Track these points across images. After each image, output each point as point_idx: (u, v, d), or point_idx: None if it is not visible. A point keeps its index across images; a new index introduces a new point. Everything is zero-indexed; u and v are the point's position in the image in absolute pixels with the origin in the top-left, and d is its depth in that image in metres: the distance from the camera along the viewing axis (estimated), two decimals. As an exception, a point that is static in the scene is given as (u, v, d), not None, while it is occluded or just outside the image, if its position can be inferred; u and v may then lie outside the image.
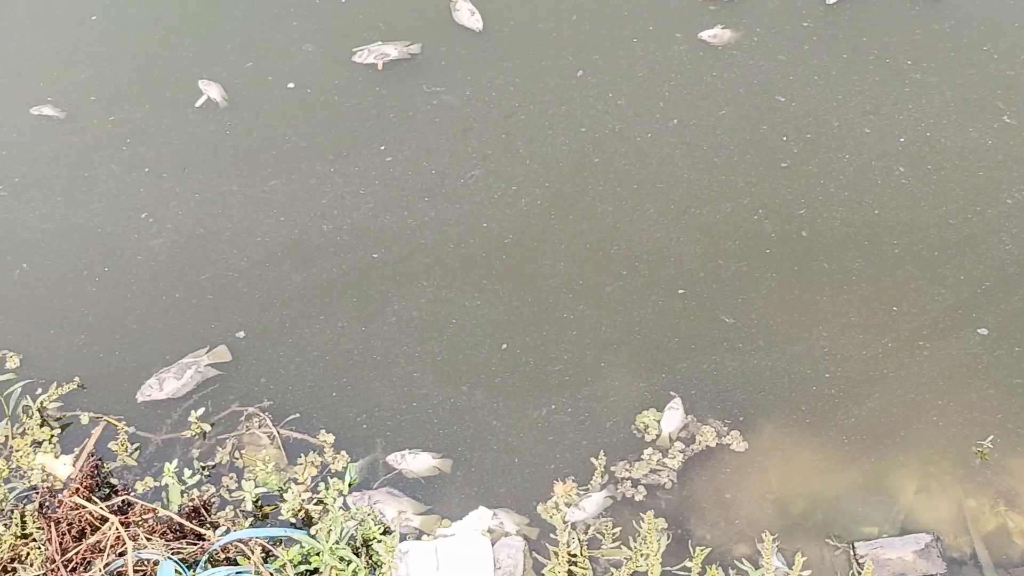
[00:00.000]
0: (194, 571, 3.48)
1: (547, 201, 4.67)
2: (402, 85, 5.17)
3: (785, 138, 4.70)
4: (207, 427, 4.15)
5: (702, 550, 3.51)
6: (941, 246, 4.29)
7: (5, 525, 3.82)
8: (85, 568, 3.53)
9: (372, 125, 5.04)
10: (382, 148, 4.95)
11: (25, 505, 3.85)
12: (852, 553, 3.67)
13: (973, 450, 3.82)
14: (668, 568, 3.57)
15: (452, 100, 5.08)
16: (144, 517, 3.72)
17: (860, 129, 4.67)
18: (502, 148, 4.88)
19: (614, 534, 3.72)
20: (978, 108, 4.63)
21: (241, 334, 4.40)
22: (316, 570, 3.59)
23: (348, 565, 3.57)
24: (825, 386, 4.03)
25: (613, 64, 5.09)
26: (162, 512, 3.72)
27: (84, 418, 4.22)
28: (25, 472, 4.04)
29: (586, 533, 3.77)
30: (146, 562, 3.51)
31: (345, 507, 3.86)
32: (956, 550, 3.66)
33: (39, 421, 4.18)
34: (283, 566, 3.55)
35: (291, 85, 5.25)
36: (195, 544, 3.63)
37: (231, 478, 4.00)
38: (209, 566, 3.53)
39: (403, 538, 3.77)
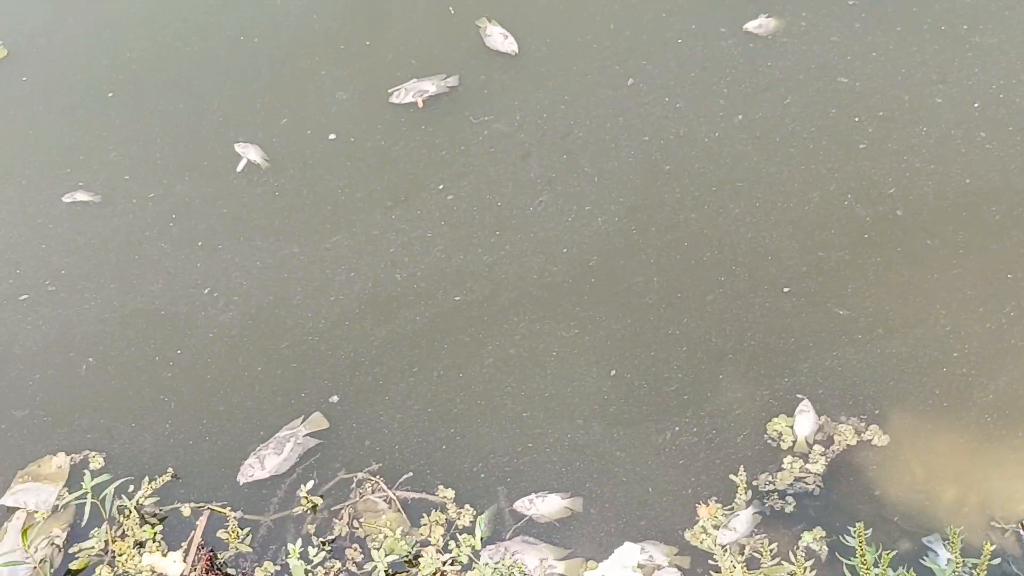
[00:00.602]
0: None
1: (624, 216, 4.51)
2: (448, 119, 5.01)
3: (857, 119, 4.57)
4: (318, 500, 3.94)
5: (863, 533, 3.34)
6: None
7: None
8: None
9: (425, 165, 4.87)
10: (440, 187, 4.78)
11: (149, 611, 3.64)
12: (1022, 533, 3.52)
13: (1121, 408, 3.68)
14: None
15: (503, 128, 4.92)
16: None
17: (932, 100, 4.55)
18: (566, 169, 4.72)
19: (771, 550, 3.55)
20: (1048, 62, 4.54)
21: (335, 398, 4.20)
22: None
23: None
24: (955, 366, 3.87)
25: (663, 68, 4.95)
26: (297, 597, 3.52)
27: (185, 510, 4.01)
28: (134, 576, 3.83)
29: (742, 554, 3.59)
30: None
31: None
32: None
33: (138, 520, 3.97)
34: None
35: (332, 136, 5.07)
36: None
37: (355, 550, 3.80)
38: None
39: (553, 587, 3.60)
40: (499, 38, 5.22)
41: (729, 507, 3.69)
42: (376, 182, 4.86)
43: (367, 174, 4.90)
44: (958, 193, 4.28)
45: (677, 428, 3.91)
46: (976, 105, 4.49)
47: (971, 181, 4.29)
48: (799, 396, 3.88)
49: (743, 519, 3.66)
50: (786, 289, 4.17)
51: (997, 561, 3.36)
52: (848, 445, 3.76)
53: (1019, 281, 4.01)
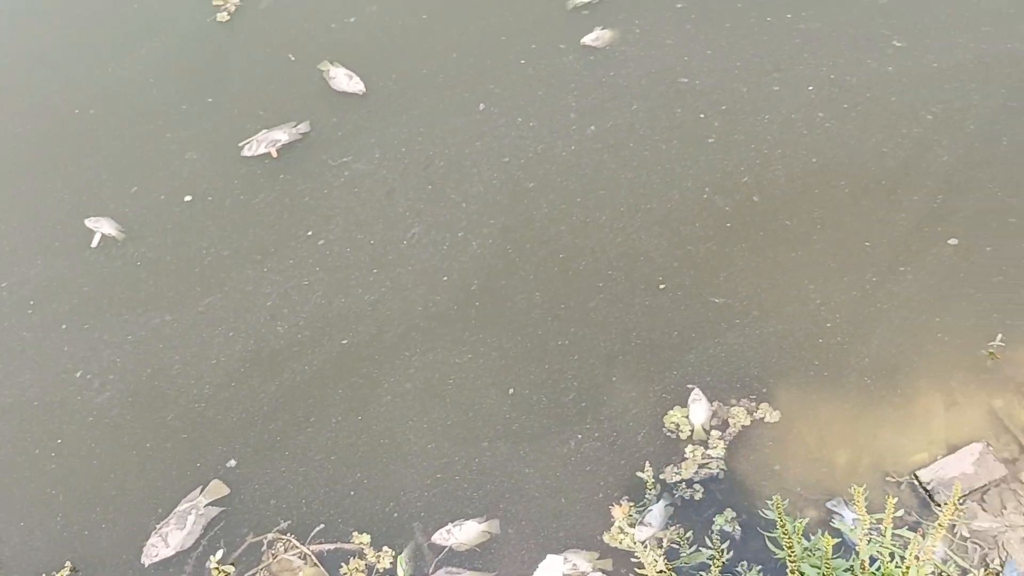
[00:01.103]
0: None
1: (498, 237, 4.56)
2: (306, 165, 4.97)
3: (703, 115, 4.76)
4: (230, 569, 3.82)
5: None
6: (885, 175, 4.41)
7: None
8: None
9: (290, 214, 4.82)
10: (310, 233, 4.73)
11: None
12: (918, 483, 3.70)
13: (983, 353, 3.92)
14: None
15: (364, 167, 4.92)
16: None
17: (769, 88, 4.78)
18: (433, 199, 4.75)
19: (688, 538, 3.64)
20: (868, 41, 4.81)
21: (232, 463, 4.09)
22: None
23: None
24: (829, 336, 4.06)
25: (511, 89, 5.04)
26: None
27: (91, 603, 3.84)
28: None
29: (661, 547, 3.66)
30: None
31: (411, 602, 3.63)
32: (1005, 450, 3.73)
33: (40, 622, 3.77)
34: None
35: (188, 198, 4.96)
36: None
37: (277, 613, 3.70)
38: None
39: (485, 612, 3.59)
40: (344, 79, 5.22)
41: (641, 504, 3.76)
42: (242, 237, 4.77)
43: (231, 231, 4.81)
44: (807, 173, 4.50)
45: (580, 436, 3.97)
46: (811, 88, 4.74)
47: (817, 160, 4.52)
48: (690, 386, 4.00)
49: (656, 513, 3.74)
50: (662, 286, 4.29)
51: (900, 513, 3.52)
52: (743, 426, 3.89)
53: (876, 248, 4.24)
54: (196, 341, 4.46)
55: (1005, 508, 3.63)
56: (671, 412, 3.96)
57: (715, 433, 3.90)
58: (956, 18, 4.76)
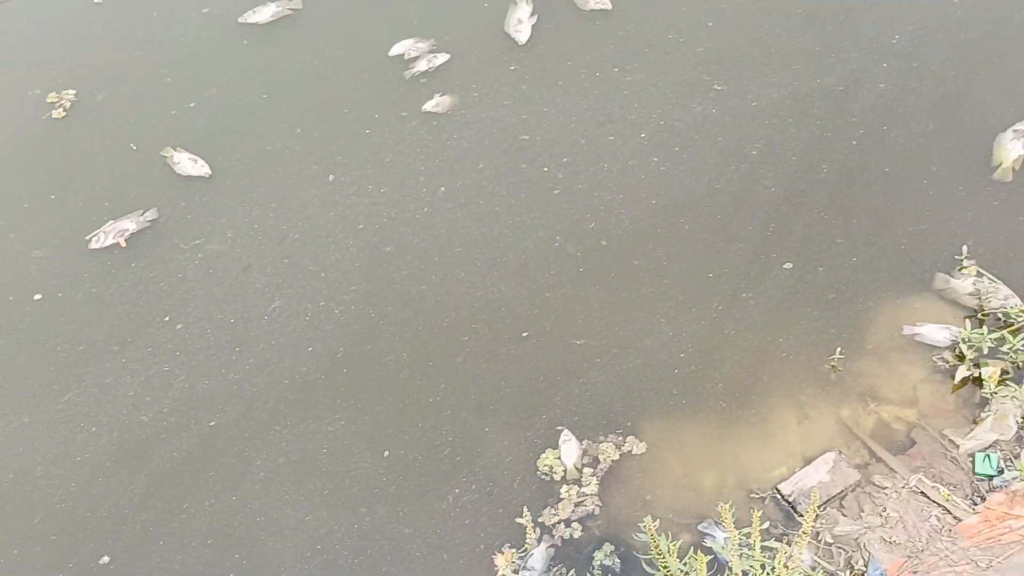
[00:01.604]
0: None
1: (360, 303, 4.61)
2: (157, 252, 4.93)
3: (546, 168, 4.95)
4: (112, 669, 3.71)
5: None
6: (720, 209, 4.68)
7: None
8: None
9: (145, 301, 4.76)
10: (167, 319, 4.69)
11: None
12: (780, 496, 3.89)
13: (826, 367, 4.17)
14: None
15: (217, 247, 4.91)
16: None
17: (605, 138, 5.02)
18: (291, 272, 4.77)
19: (572, 577, 3.73)
20: (691, 87, 5.12)
21: (105, 559, 3.98)
22: None
23: None
24: (684, 365, 4.25)
25: (359, 159, 5.14)
26: None
27: None
28: None
29: (547, 589, 3.74)
30: None
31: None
32: (856, 456, 3.97)
33: None
34: None
35: (38, 296, 4.85)
36: None
37: None
38: None
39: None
40: (188, 163, 5.22)
41: (523, 549, 3.83)
42: (96, 330, 4.68)
43: (85, 325, 4.71)
44: (649, 214, 4.73)
45: (457, 490, 4.02)
46: (643, 135, 5.00)
47: (656, 201, 4.76)
48: (559, 428, 4.11)
49: (538, 556, 3.81)
50: (525, 334, 4.42)
51: (767, 526, 3.69)
52: (612, 461, 4.02)
53: (719, 278, 4.48)
54: (58, 440, 4.34)
55: (863, 511, 3.85)
56: (544, 455, 4.07)
57: (587, 471, 4.01)
58: (768, 59, 5.12)
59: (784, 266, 4.45)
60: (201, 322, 4.66)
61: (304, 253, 4.84)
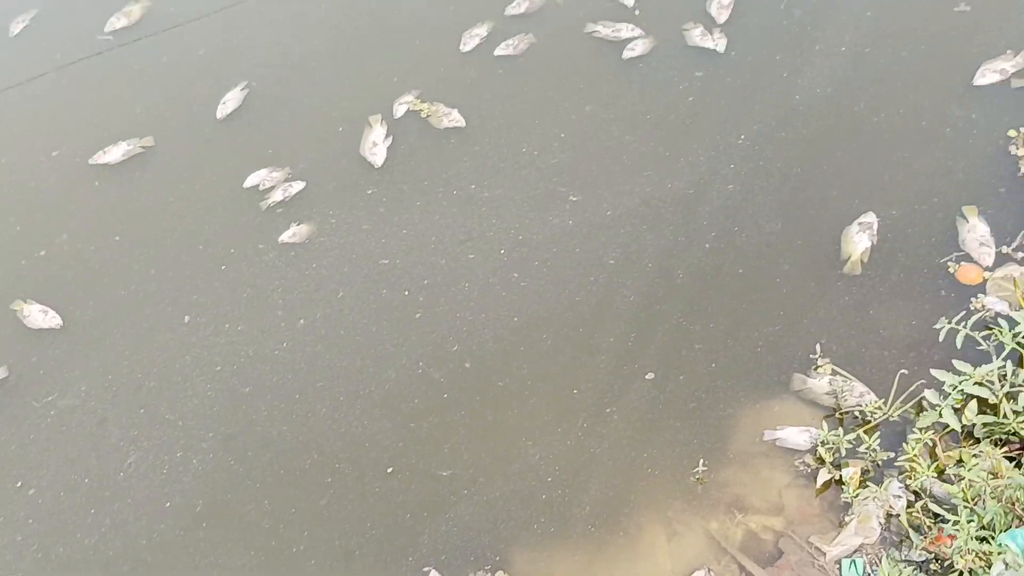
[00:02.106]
0: None
1: (219, 450, 4.46)
2: (9, 412, 4.73)
3: (407, 292, 4.90)
4: None
5: None
6: (581, 322, 4.66)
7: None
8: None
9: (-5, 465, 4.55)
10: (19, 484, 4.48)
11: None
12: (655, 619, 3.82)
13: (692, 480, 4.14)
14: None
15: (70, 402, 4.73)
16: None
17: (465, 257, 4.99)
18: (147, 423, 4.61)
19: None
20: (547, 199, 5.13)
21: None
22: None
23: None
24: (551, 490, 4.18)
25: (215, 297, 5.03)
26: None
27: None
28: None
29: None
30: None
31: None
32: (726, 571, 3.92)
33: None
34: None
35: None
36: None
37: None
38: None
39: None
40: (39, 316, 5.04)
41: None
42: (-57, 501, 4.45)
43: (-70, 496, 4.48)
44: (511, 332, 4.69)
45: (326, 645, 3.87)
46: (503, 252, 4.98)
47: (518, 318, 4.73)
48: (426, 569, 4.00)
49: None
50: (390, 469, 4.31)
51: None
52: (483, 598, 3.92)
53: (583, 393, 4.44)
54: (-102, 628, 4.08)
55: (736, 626, 3.80)
56: (413, 598, 3.94)
57: (459, 611, 3.90)
58: (621, 167, 5.16)
59: (646, 377, 4.43)
60: (55, 485, 4.46)
61: (160, 401, 4.69)
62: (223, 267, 5.14)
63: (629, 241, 4.89)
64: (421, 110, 5.57)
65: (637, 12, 5.75)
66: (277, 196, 5.35)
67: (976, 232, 4.49)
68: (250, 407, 4.62)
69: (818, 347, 4.28)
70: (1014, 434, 3.76)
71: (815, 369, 4.26)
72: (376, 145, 5.46)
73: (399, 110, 5.61)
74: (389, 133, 5.52)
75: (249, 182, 5.45)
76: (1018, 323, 3.84)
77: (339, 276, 5.03)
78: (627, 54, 5.57)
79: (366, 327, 4.82)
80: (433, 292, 4.89)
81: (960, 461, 3.81)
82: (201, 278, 5.13)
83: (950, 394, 3.79)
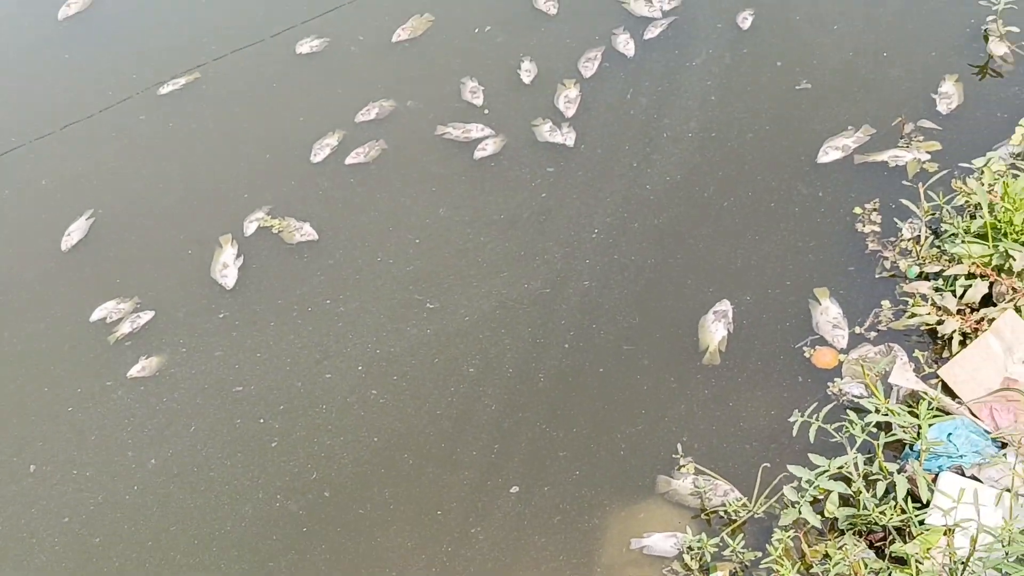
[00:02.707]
0: None
1: (64, 613, 4.20)
2: None
3: (262, 420, 4.70)
4: None
5: None
6: (443, 437, 4.51)
7: None
8: None
9: None
10: None
11: None
12: None
13: (568, 592, 4.01)
14: None
15: (-95, 571, 4.42)
16: None
17: (322, 377, 4.82)
18: (-12, 588, 4.33)
19: None
20: (404, 308, 5.00)
21: None
22: None
23: None
24: (421, 622, 4.01)
25: (62, 442, 4.77)
26: None
27: None
28: None
29: None
30: None
31: None
32: None
33: None
34: None
35: None
36: None
37: None
38: None
39: None
40: None
41: None
42: None
43: None
44: (372, 454, 4.52)
45: None
46: (360, 368, 4.83)
47: (379, 439, 4.56)
48: None
49: None
50: (245, 619, 4.10)
51: None
52: None
53: (447, 514, 4.28)
54: None
55: None
56: None
57: None
58: (477, 270, 5.07)
59: (511, 490, 4.29)
60: None
61: (5, 561, 4.40)
62: (70, 409, 4.89)
63: (488, 347, 4.79)
64: (272, 226, 5.43)
65: (487, 111, 5.72)
66: (125, 328, 5.13)
67: (828, 314, 4.49)
68: (101, 559, 4.35)
69: (679, 446, 4.20)
70: (877, 523, 3.71)
71: (679, 469, 4.18)
72: (227, 266, 5.29)
73: (250, 228, 5.46)
74: (240, 253, 5.36)
75: (96, 315, 5.22)
76: (869, 411, 3.81)
77: (191, 409, 4.82)
78: (478, 154, 5.53)
79: (221, 461, 4.61)
80: (290, 418, 4.71)
81: (827, 555, 3.74)
82: (47, 423, 4.87)
83: (808, 490, 3.73)
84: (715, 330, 4.60)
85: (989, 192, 4.36)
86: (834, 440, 3.82)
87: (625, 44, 5.82)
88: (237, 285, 5.25)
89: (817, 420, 3.80)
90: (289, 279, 5.24)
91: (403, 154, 5.66)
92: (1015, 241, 4.22)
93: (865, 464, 3.76)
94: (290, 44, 6.33)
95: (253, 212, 5.53)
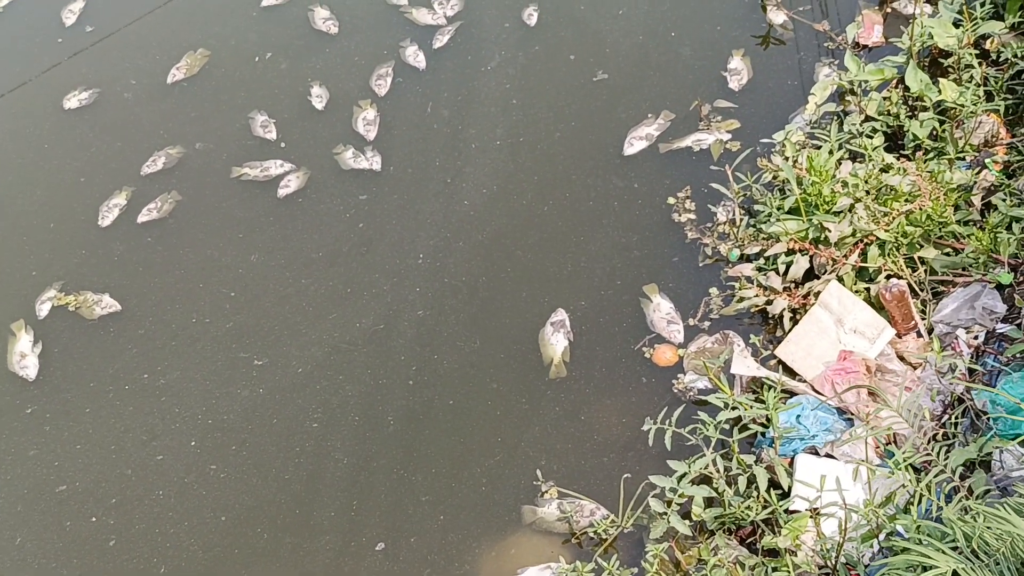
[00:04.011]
0: None
1: None
2: None
3: (94, 518, 4.33)
4: None
5: None
6: (296, 502, 4.26)
7: None
8: None
9: None
10: None
11: None
12: None
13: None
14: None
15: None
16: None
17: (153, 460, 4.47)
18: None
19: None
20: (231, 369, 4.66)
21: None
22: None
23: None
24: None
25: None
26: None
27: None
28: None
29: None
30: None
31: None
32: None
33: None
34: None
35: None
36: None
37: None
38: None
39: None
40: None
41: None
42: None
43: None
44: (222, 534, 4.23)
45: None
46: (194, 443, 4.51)
47: (227, 516, 4.27)
48: None
49: None
50: None
51: None
52: None
53: (313, 580, 4.08)
54: None
55: None
56: None
57: None
58: (303, 315, 4.82)
59: (377, 548, 4.11)
60: None
61: None
62: None
63: (328, 397, 4.57)
64: (68, 303, 4.99)
65: (283, 145, 5.43)
66: (-82, 444, 4.62)
67: (661, 311, 4.51)
68: None
69: (539, 472, 4.13)
70: (744, 519, 3.75)
71: (542, 495, 4.11)
72: (25, 356, 4.83)
73: (43, 309, 5.00)
74: (37, 339, 4.90)
75: None
76: (718, 407, 3.84)
77: (13, 519, 4.39)
78: (282, 192, 5.25)
79: (55, 572, 4.21)
80: (125, 511, 4.36)
81: (701, 560, 3.76)
82: None
83: (672, 498, 3.72)
84: (556, 342, 4.54)
85: (795, 166, 4.47)
86: (690, 442, 3.83)
87: (415, 56, 5.65)
88: (40, 374, 4.80)
89: (670, 425, 3.79)
90: (98, 358, 4.83)
91: (200, 203, 5.30)
92: (827, 212, 4.33)
93: (724, 459, 3.79)
94: (55, 99, 5.82)
95: (44, 291, 5.06)
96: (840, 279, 4.24)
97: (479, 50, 5.68)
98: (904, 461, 3.41)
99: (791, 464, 3.83)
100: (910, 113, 4.66)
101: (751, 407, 3.79)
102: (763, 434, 3.93)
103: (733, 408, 3.80)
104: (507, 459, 4.26)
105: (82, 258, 5.18)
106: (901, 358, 4.07)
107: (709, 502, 3.82)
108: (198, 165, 5.45)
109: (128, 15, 6.18)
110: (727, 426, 3.83)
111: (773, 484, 3.74)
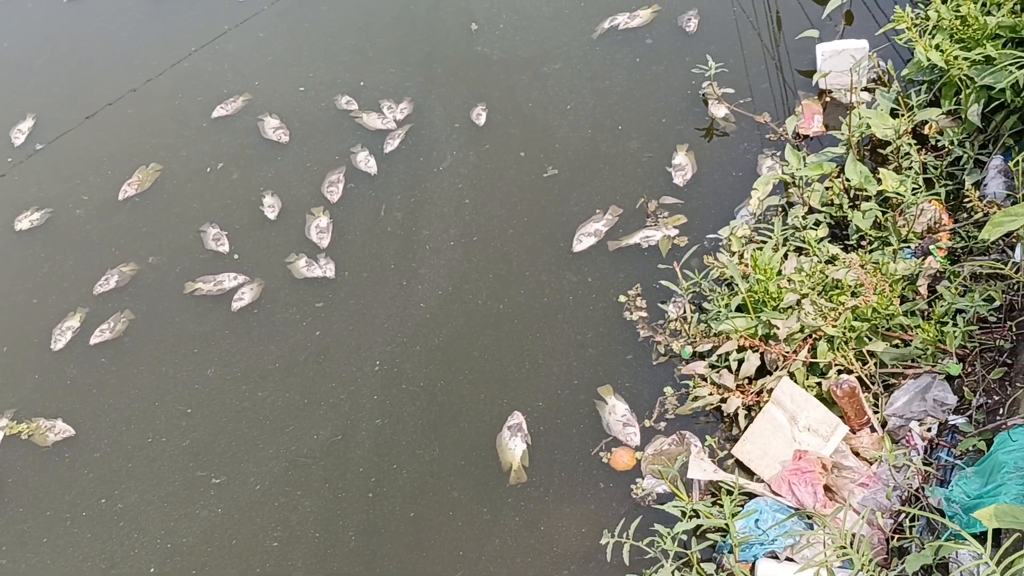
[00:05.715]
0: None
1: None
2: None
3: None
4: None
5: None
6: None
7: None
8: None
9: None
10: None
11: None
12: None
13: None
14: None
15: None
16: None
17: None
18: None
19: None
20: (189, 489, 4.62)
21: None
22: None
23: None
24: None
25: None
26: None
27: None
28: None
29: None
30: None
31: None
32: None
33: None
34: None
35: None
36: None
37: None
38: None
39: None
40: None
41: None
42: None
43: None
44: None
45: None
46: (153, 570, 4.43)
47: (187, 645, 4.22)
48: None
49: None
50: None
51: None
52: None
53: None
54: None
55: None
56: None
57: None
58: (260, 429, 4.79)
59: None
60: None
61: None
62: None
63: (288, 514, 4.52)
64: (20, 431, 4.94)
65: (236, 257, 5.44)
66: None
67: (616, 413, 4.51)
68: None
69: (500, 587, 4.10)
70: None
71: (505, 614, 4.08)
72: (-21, 486, 4.78)
73: (-5, 438, 4.97)
74: (-8, 485, 4.86)
75: None
76: (676, 517, 3.83)
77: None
78: (236, 304, 5.25)
79: None
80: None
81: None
82: None
83: (635, 613, 3.70)
84: (514, 446, 4.53)
85: (741, 262, 4.52)
86: (649, 555, 3.81)
87: (366, 162, 5.70)
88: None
89: (628, 539, 3.77)
90: (53, 485, 4.77)
91: (154, 320, 5.28)
92: (774, 308, 4.38)
93: (685, 568, 3.78)
94: (7, 221, 5.82)
95: (-4, 419, 5.03)
96: (792, 375, 4.27)
97: (430, 152, 5.74)
98: (863, 568, 3.41)
99: (752, 570, 3.82)
100: (852, 203, 4.74)
101: (710, 515, 3.79)
102: (723, 539, 3.93)
103: (691, 517, 3.80)
104: (469, 575, 4.22)
105: (35, 383, 5.14)
106: (856, 454, 4.10)
107: (673, 611, 3.80)
108: (151, 281, 5.45)
109: (78, 131, 6.21)
110: (685, 537, 3.82)
111: (735, 592, 3.73)
